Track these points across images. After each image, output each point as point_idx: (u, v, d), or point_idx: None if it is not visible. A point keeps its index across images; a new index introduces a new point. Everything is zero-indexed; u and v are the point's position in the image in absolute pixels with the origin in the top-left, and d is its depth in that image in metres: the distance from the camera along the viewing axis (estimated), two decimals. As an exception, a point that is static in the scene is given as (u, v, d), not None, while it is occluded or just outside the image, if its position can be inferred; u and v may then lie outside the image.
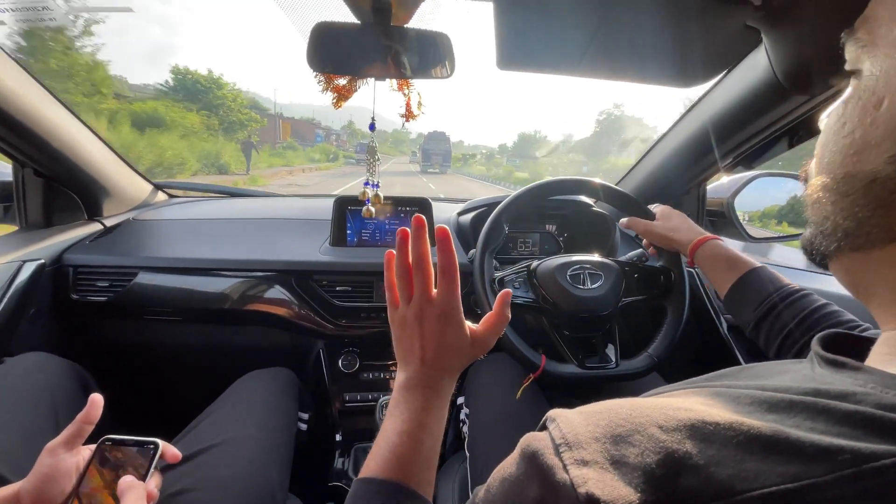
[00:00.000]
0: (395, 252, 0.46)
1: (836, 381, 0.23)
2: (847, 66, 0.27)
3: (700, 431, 0.21)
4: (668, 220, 0.81)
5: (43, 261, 0.95)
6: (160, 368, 1.18)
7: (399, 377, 0.46)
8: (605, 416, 0.24)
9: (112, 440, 0.52)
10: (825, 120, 0.30)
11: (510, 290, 0.50)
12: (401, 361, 0.47)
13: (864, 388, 0.21)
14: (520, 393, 0.81)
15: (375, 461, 0.41)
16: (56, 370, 0.78)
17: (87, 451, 0.52)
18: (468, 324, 0.47)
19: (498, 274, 0.88)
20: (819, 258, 0.29)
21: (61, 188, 1.07)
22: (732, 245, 0.74)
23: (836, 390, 0.21)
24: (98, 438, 0.53)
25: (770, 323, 0.60)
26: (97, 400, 0.53)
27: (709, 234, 0.74)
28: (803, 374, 0.27)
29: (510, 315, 0.48)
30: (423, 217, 0.43)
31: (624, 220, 0.86)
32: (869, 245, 0.25)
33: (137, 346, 1.14)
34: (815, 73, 0.65)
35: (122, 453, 0.52)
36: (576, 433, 0.24)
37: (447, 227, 0.43)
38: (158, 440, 0.53)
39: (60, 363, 0.80)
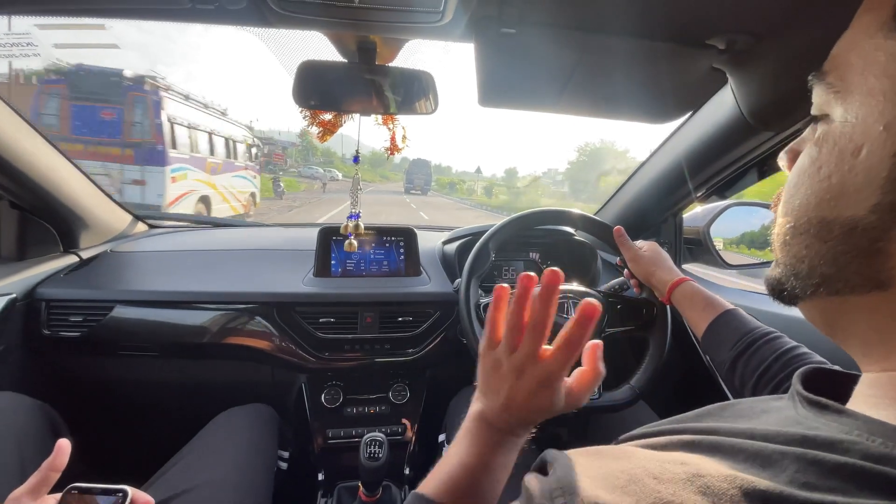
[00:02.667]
0: (507, 289, 0.43)
1: (822, 427, 0.23)
2: (814, 110, 0.27)
3: (695, 484, 0.21)
4: (655, 254, 0.83)
5: (14, 295, 0.91)
6: (134, 407, 1.13)
7: (477, 405, 0.44)
8: (599, 461, 0.24)
9: (78, 488, 0.50)
10: (783, 159, 0.31)
11: (601, 343, 0.44)
12: (483, 394, 0.44)
13: (850, 437, 0.21)
14: None
15: (434, 481, 0.41)
16: (23, 411, 0.74)
17: (52, 500, 0.50)
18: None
19: (484, 300, 0.88)
20: (788, 298, 0.28)
21: (36, 220, 1.05)
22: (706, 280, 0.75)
23: (822, 438, 0.21)
24: (66, 485, 0.50)
25: (746, 361, 0.61)
26: (64, 446, 0.51)
27: (686, 276, 0.77)
28: (786, 414, 0.27)
29: (604, 370, 0.44)
30: (560, 273, 0.39)
31: (618, 227, 0.87)
32: (848, 291, 0.25)
33: (111, 383, 1.10)
34: (779, 110, 0.69)
35: (88, 502, 0.49)
36: (570, 479, 0.23)
37: (596, 304, 0.37)
38: (128, 487, 0.51)
39: (28, 403, 0.76)
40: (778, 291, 0.29)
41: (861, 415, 0.22)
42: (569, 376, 0.43)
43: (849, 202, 0.23)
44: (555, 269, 0.39)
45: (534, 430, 0.45)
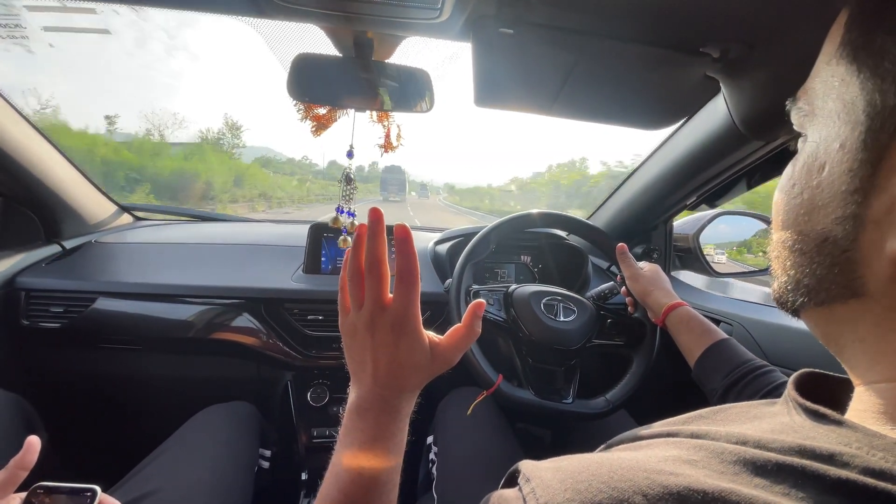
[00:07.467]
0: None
1: (819, 437, 0.23)
2: (795, 129, 0.29)
3: (688, 502, 0.20)
4: (655, 275, 0.83)
5: None
6: (114, 402, 1.11)
7: (350, 397, 0.41)
8: (583, 477, 0.23)
9: (45, 487, 0.48)
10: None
11: (483, 301, 0.44)
12: (353, 376, 0.42)
13: (850, 449, 0.21)
14: (471, 410, 0.81)
15: (326, 501, 0.37)
16: None
17: (18, 499, 0.48)
18: (431, 335, 0.41)
19: (475, 287, 0.89)
20: (790, 309, 0.29)
21: (19, 207, 1.02)
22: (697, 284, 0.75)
23: (821, 449, 0.21)
24: (35, 483, 0.49)
25: (738, 392, 0.61)
26: (33, 443, 0.49)
27: (683, 301, 0.77)
28: (781, 421, 0.27)
29: (480, 330, 0.43)
30: (380, 210, 0.38)
31: (622, 244, 0.88)
32: (830, 301, 0.26)
33: (90, 377, 1.07)
34: (769, 120, 0.70)
35: (55, 501, 0.48)
36: (552, 499, 0.22)
37: (407, 225, 0.38)
38: (97, 487, 0.49)
39: (2, 396, 0.74)
40: (780, 304, 0.30)
41: (860, 426, 0.22)
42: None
43: (818, 216, 0.26)
44: (376, 207, 0.39)
45: (418, 400, 0.42)
